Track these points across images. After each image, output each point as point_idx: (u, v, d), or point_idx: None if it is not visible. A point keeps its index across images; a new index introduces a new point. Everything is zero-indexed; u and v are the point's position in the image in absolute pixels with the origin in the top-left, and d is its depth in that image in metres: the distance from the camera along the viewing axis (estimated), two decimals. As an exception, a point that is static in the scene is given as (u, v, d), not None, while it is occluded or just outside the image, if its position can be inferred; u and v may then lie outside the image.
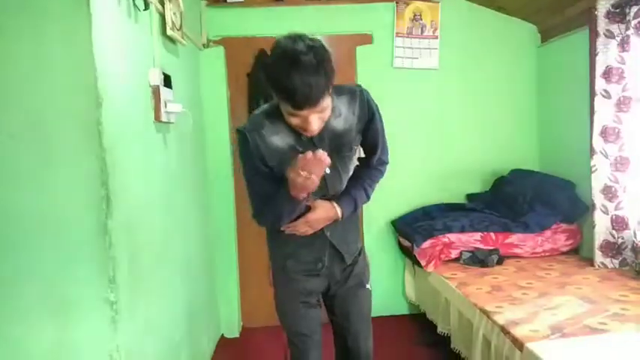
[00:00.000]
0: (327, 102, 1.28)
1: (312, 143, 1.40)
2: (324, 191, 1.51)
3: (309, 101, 1.21)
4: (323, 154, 1.25)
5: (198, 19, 2.97)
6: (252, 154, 1.41)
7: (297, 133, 1.38)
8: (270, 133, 1.40)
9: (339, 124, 1.44)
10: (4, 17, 1.36)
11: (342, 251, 1.61)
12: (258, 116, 1.45)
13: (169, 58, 2.22)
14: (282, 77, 1.19)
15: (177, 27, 2.19)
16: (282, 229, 1.53)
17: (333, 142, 1.45)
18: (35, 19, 1.36)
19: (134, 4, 1.74)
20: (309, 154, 1.24)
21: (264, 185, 1.46)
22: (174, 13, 2.13)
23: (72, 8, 1.37)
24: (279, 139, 1.40)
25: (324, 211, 1.50)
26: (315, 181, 1.30)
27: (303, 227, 1.51)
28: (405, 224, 3.16)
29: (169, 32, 2.08)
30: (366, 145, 1.59)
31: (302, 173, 1.27)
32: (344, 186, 1.57)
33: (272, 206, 1.47)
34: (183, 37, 2.31)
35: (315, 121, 1.29)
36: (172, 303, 2.10)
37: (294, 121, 1.30)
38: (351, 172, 1.57)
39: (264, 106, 1.48)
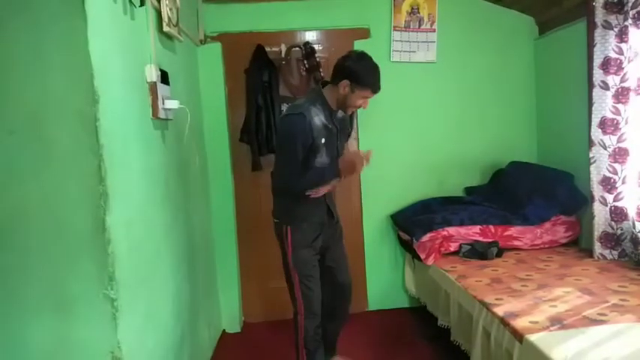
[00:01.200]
0: None
1: (333, 123, 2.14)
2: (333, 154, 2.16)
3: (378, 91, 2.09)
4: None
5: (195, 15, 2.96)
6: (305, 129, 2.01)
7: (326, 116, 2.10)
8: (313, 115, 2.05)
9: (340, 112, 2.21)
10: (1, 16, 1.35)
11: (334, 212, 2.29)
12: (305, 104, 2.09)
13: (166, 55, 2.21)
14: (370, 77, 2.04)
15: (174, 23, 2.18)
16: (308, 193, 2.10)
17: (340, 124, 2.21)
18: (32, 17, 1.36)
19: (130, 1, 1.73)
20: (371, 152, 2.06)
21: (301, 157, 2.05)
22: (171, 9, 2.12)
23: (68, 6, 1.36)
24: (317, 120, 2.06)
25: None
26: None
27: (324, 189, 2.14)
28: (404, 218, 3.17)
29: (166, 28, 2.07)
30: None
31: (365, 164, 2.04)
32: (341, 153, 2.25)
33: (315, 177, 2.09)
34: (179, 34, 2.31)
35: (368, 102, 2.11)
36: (173, 299, 2.10)
37: (360, 101, 2.08)
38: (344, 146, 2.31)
39: (304, 99, 2.16)
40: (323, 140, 2.07)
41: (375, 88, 2.05)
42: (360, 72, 2.02)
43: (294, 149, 2.03)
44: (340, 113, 2.20)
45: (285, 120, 2.14)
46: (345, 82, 2.03)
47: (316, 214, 2.20)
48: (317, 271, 2.23)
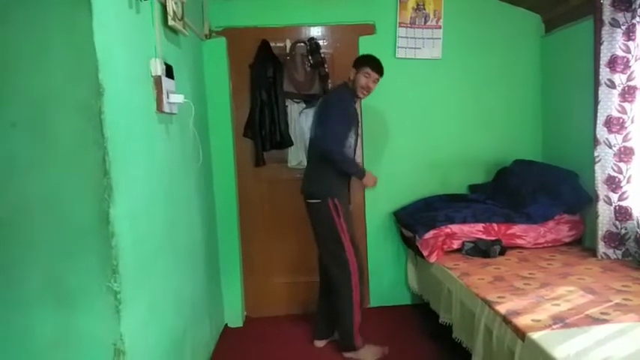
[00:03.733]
0: (377, 82, 2.66)
1: (356, 112, 2.75)
2: (355, 138, 2.70)
3: (381, 71, 2.63)
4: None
5: (200, 10, 2.96)
6: (351, 104, 2.62)
7: (354, 102, 2.67)
8: (350, 97, 2.65)
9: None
10: (6, 8, 1.36)
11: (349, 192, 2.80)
12: (347, 92, 2.65)
13: (171, 49, 2.21)
14: (366, 59, 2.64)
15: (179, 17, 2.18)
16: (337, 162, 2.55)
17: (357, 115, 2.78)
18: (36, 10, 1.36)
19: (135, -6, 1.73)
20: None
21: (346, 132, 2.58)
22: (176, 3, 2.12)
23: (73, -2, 1.37)
24: (352, 102, 2.65)
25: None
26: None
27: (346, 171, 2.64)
28: (407, 215, 3.16)
29: (171, 22, 2.07)
30: None
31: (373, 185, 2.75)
32: None
33: (350, 159, 2.61)
34: (185, 28, 2.30)
35: (372, 83, 2.62)
36: (176, 292, 2.11)
37: (365, 81, 2.59)
38: None
39: (342, 88, 2.69)
40: (354, 122, 2.65)
41: (372, 65, 2.58)
42: (359, 59, 2.67)
43: (343, 115, 2.55)
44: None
45: (337, 92, 2.66)
46: (352, 70, 2.64)
47: (345, 192, 2.69)
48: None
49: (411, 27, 3.25)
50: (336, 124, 2.51)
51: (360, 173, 2.63)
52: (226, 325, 3.25)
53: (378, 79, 2.62)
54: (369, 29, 3.23)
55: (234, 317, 3.27)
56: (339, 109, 2.54)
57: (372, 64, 2.58)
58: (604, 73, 2.47)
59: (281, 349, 2.88)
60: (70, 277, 1.43)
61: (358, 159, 2.73)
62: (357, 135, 2.71)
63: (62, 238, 1.42)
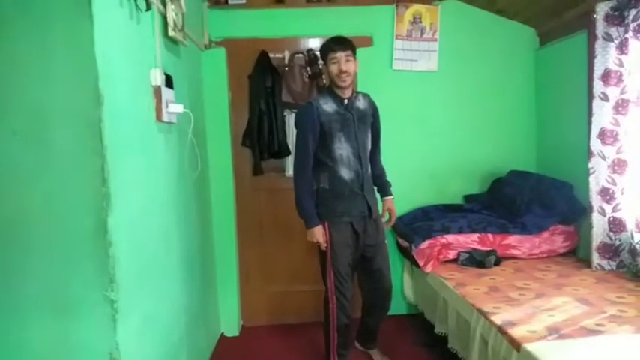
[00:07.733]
0: (352, 57, 2.32)
1: (347, 109, 2.36)
2: (354, 143, 2.36)
3: (340, 45, 2.29)
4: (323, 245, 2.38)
5: (200, 21, 2.99)
6: (312, 114, 2.30)
7: (337, 103, 2.35)
8: (322, 104, 2.34)
9: (361, 104, 2.43)
10: (8, 17, 1.37)
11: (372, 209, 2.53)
12: (313, 98, 2.45)
13: (171, 59, 2.23)
14: (331, 42, 2.32)
15: (179, 28, 2.20)
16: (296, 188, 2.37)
17: (358, 113, 2.40)
18: (38, 19, 1.38)
19: (136, 5, 1.75)
20: (322, 245, 2.38)
21: (310, 144, 2.32)
22: (176, 14, 2.14)
23: (74, 8, 1.38)
24: (327, 107, 2.34)
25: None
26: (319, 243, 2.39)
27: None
28: (403, 225, 3.18)
29: (171, 33, 2.09)
30: (372, 131, 2.48)
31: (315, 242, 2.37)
32: (368, 145, 2.45)
33: (305, 195, 2.35)
34: (184, 38, 2.33)
35: (344, 63, 2.28)
36: (172, 301, 2.11)
37: (334, 67, 2.29)
38: (369, 139, 2.46)
39: (305, 104, 2.43)
40: (338, 126, 2.32)
41: (331, 47, 2.31)
42: (320, 49, 2.41)
43: (303, 137, 2.33)
44: (362, 104, 2.43)
45: (296, 113, 2.50)
46: (322, 64, 2.59)
47: (343, 219, 2.38)
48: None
49: (407, 40, 3.29)
50: (298, 151, 2.36)
51: (306, 222, 2.36)
52: (222, 333, 3.24)
53: (349, 55, 2.29)
54: (367, 41, 3.26)
55: (231, 326, 3.26)
56: (298, 132, 2.37)
57: (331, 45, 2.29)
58: (598, 86, 2.50)
59: (277, 358, 2.87)
60: (67, 285, 1.44)
61: (354, 165, 2.37)
62: (354, 137, 2.35)
63: (60, 247, 1.43)
